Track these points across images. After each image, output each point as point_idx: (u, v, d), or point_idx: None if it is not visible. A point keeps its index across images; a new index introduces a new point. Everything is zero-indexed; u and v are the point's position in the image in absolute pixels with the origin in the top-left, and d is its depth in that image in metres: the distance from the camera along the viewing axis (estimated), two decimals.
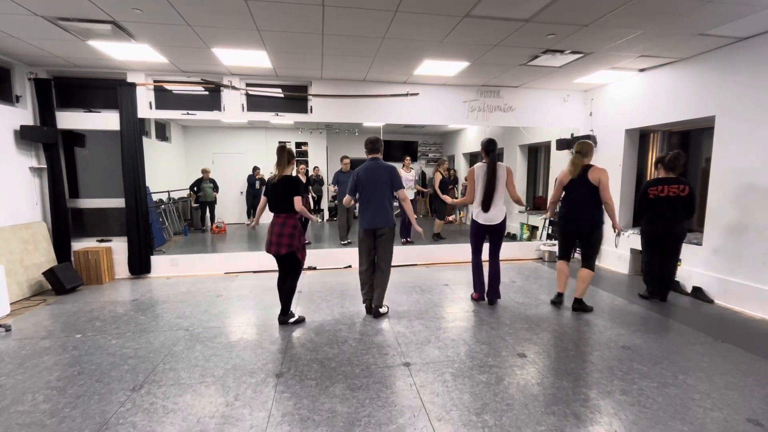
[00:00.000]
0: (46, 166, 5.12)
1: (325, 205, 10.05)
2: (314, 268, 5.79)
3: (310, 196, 8.05)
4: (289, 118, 5.94)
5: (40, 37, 4.05)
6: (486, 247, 4.25)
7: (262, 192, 3.69)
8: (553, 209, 4.25)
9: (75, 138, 5.47)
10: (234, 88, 5.52)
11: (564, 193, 4.05)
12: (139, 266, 5.46)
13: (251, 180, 9.25)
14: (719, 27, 3.76)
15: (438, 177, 7.32)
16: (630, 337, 3.43)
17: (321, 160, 10.27)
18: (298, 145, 10.13)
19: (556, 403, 2.44)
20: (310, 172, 9.78)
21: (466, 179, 9.64)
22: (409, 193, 6.94)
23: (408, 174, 7.19)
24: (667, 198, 4.09)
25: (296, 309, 4.11)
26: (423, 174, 11.32)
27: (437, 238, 7.20)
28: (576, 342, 3.34)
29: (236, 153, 9.77)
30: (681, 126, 5.33)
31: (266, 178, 9.27)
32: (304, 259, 3.73)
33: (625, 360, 3.00)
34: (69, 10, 3.45)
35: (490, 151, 4.05)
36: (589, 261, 3.98)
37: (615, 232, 4.02)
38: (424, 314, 3.98)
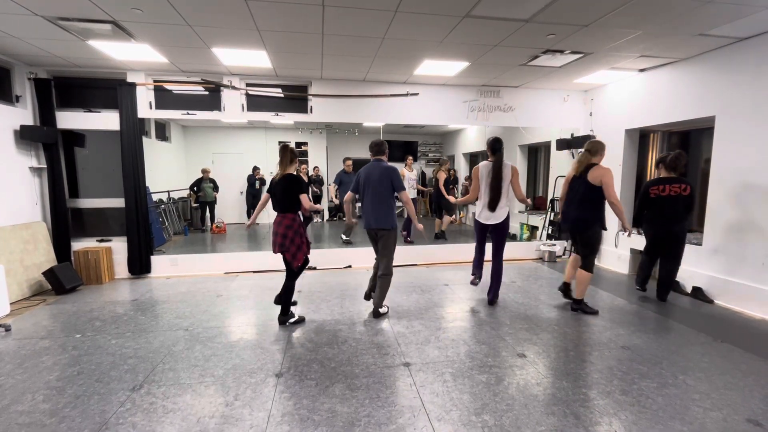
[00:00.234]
0: (46, 166, 5.12)
1: (324, 204, 10.05)
2: (314, 268, 5.78)
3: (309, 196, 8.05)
4: (289, 118, 5.94)
5: (40, 36, 4.05)
6: (488, 246, 4.27)
7: (265, 190, 3.68)
8: (561, 206, 4.21)
9: (75, 138, 5.47)
10: (234, 88, 5.52)
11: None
12: (139, 266, 5.46)
13: (251, 180, 9.25)
14: (719, 27, 3.76)
15: (443, 176, 7.33)
16: (630, 337, 3.43)
17: (321, 160, 10.27)
18: (298, 145, 10.13)
19: (556, 403, 2.44)
20: (310, 172, 9.78)
21: (466, 179, 9.71)
22: (410, 192, 6.96)
23: (410, 174, 7.19)
24: (669, 197, 4.09)
25: (296, 309, 4.12)
26: (423, 174, 11.32)
27: (439, 237, 7.22)
28: (576, 342, 3.34)
29: (236, 153, 9.77)
30: (681, 126, 5.33)
31: (266, 178, 9.36)
32: (300, 261, 3.61)
33: (625, 360, 3.00)
34: (69, 9, 3.45)
35: (497, 150, 4.01)
36: (584, 260, 3.93)
37: (626, 234, 4.03)
38: (424, 314, 3.98)
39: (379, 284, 3.88)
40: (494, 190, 3.97)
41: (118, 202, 5.42)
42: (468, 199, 4.33)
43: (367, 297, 4.11)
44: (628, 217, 5.74)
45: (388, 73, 5.49)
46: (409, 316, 3.91)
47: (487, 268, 4.33)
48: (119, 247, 5.46)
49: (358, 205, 4.00)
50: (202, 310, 4.14)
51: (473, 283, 4.35)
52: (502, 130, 7.81)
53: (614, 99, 5.89)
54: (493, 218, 4.04)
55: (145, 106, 5.35)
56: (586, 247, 3.92)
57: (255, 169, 9.28)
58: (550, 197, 7.24)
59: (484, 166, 4.08)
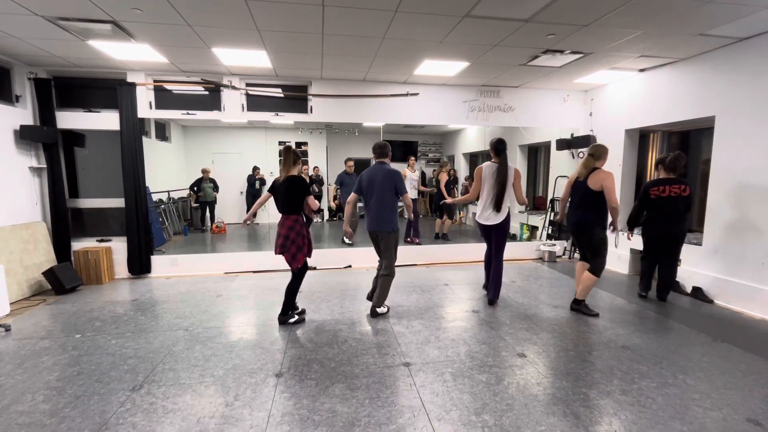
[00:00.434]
0: (45, 166, 5.12)
1: (324, 204, 10.05)
2: (314, 268, 5.78)
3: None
4: (289, 118, 5.94)
5: (40, 36, 4.05)
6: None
7: (266, 189, 3.66)
8: (562, 209, 4.20)
9: (75, 138, 5.46)
10: (234, 88, 5.52)
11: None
12: (139, 266, 5.46)
13: (251, 180, 9.25)
14: (719, 27, 3.76)
15: (444, 178, 7.34)
16: (630, 337, 3.43)
17: (321, 160, 10.26)
18: (298, 144, 10.12)
19: (556, 403, 2.44)
20: (311, 172, 9.78)
21: (466, 179, 9.70)
22: (411, 193, 6.96)
23: (412, 174, 7.20)
24: (669, 198, 4.09)
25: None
26: (423, 174, 11.33)
27: (439, 237, 7.23)
28: (576, 342, 3.34)
29: (236, 153, 9.77)
30: (681, 126, 5.33)
31: (266, 178, 9.36)
32: (300, 262, 3.59)
33: (625, 360, 3.00)
34: (69, 9, 3.45)
35: (501, 151, 4.03)
36: (592, 264, 3.88)
37: (623, 234, 4.08)
38: (424, 314, 3.98)
39: (380, 284, 3.89)
40: (499, 191, 3.96)
41: (118, 202, 5.42)
42: (467, 198, 4.39)
43: (371, 297, 4.11)
44: (623, 217, 5.78)
45: (388, 73, 5.49)
46: (409, 316, 3.91)
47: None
48: (119, 247, 5.46)
49: (360, 205, 4.00)
50: (202, 310, 4.14)
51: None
52: (502, 130, 7.81)
53: (614, 99, 5.89)
54: (493, 219, 4.05)
55: (145, 106, 5.35)
56: (591, 249, 3.89)
57: (255, 169, 9.28)
58: (550, 197, 7.24)
59: (487, 167, 4.08)
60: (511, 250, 6.60)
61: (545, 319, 3.83)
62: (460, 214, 10.12)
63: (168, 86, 5.43)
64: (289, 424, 2.23)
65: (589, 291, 4.00)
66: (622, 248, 5.62)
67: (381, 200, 3.78)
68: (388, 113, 6.01)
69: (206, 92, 5.57)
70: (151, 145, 7.30)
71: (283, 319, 3.69)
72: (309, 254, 3.67)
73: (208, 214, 9.06)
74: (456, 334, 3.48)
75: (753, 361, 3.01)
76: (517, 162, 8.38)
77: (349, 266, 5.98)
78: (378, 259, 4.02)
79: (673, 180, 4.11)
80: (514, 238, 7.96)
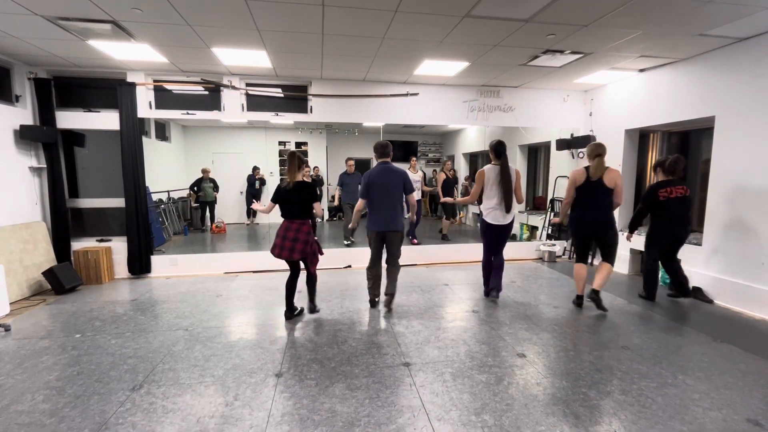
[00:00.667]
0: (45, 166, 5.12)
1: (324, 204, 10.05)
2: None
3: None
4: (289, 118, 5.94)
5: (39, 36, 4.05)
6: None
7: (270, 198, 3.67)
8: (566, 211, 4.15)
9: (75, 138, 5.46)
10: (234, 87, 5.52)
11: (576, 195, 4.00)
12: (139, 266, 5.45)
13: (251, 180, 9.25)
14: (719, 27, 3.76)
15: (441, 177, 7.35)
16: (629, 337, 3.43)
17: (321, 160, 10.27)
18: (298, 145, 10.13)
19: (556, 403, 2.44)
20: (311, 173, 9.78)
21: (466, 179, 9.70)
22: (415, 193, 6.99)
23: (414, 175, 7.20)
24: (677, 199, 4.10)
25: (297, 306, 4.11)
26: (424, 175, 11.34)
27: (444, 238, 7.25)
28: (575, 342, 3.34)
29: (236, 153, 9.77)
30: (681, 126, 5.33)
31: (265, 178, 9.35)
32: (316, 264, 3.81)
33: (625, 360, 3.00)
34: (69, 9, 3.45)
35: (501, 153, 4.08)
36: (610, 257, 4.06)
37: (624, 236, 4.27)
38: (424, 314, 3.98)
39: (392, 273, 4.01)
40: (507, 192, 4.02)
41: (118, 202, 5.42)
42: (467, 201, 4.41)
43: (373, 304, 4.14)
44: (628, 218, 5.78)
45: (388, 73, 5.49)
46: (408, 316, 3.91)
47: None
48: (119, 246, 5.46)
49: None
50: (201, 310, 4.14)
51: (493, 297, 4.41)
52: (502, 130, 7.82)
53: (614, 99, 5.89)
54: (506, 219, 4.13)
55: (144, 106, 5.35)
56: (611, 246, 4.05)
57: (255, 169, 9.28)
58: (549, 197, 7.24)
59: (490, 169, 4.10)
60: (511, 250, 6.60)
61: (545, 319, 3.83)
62: (460, 214, 10.13)
63: (168, 86, 5.43)
64: (288, 424, 2.23)
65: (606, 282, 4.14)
66: (622, 248, 5.61)
67: (391, 200, 3.85)
68: (388, 113, 6.01)
69: (206, 92, 5.57)
70: (151, 145, 7.30)
71: (290, 315, 3.82)
72: (320, 253, 3.83)
73: (208, 214, 9.06)
74: (456, 334, 3.48)
75: (753, 361, 3.01)
76: (517, 162, 8.38)
77: (349, 266, 5.98)
78: (369, 259, 4.05)
79: (675, 182, 4.12)
80: (513, 238, 7.96)
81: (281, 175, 9.84)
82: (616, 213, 4.16)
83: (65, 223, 5.25)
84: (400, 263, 4.06)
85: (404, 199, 4.00)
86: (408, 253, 6.17)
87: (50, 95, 5.10)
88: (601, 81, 5.84)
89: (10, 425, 2.24)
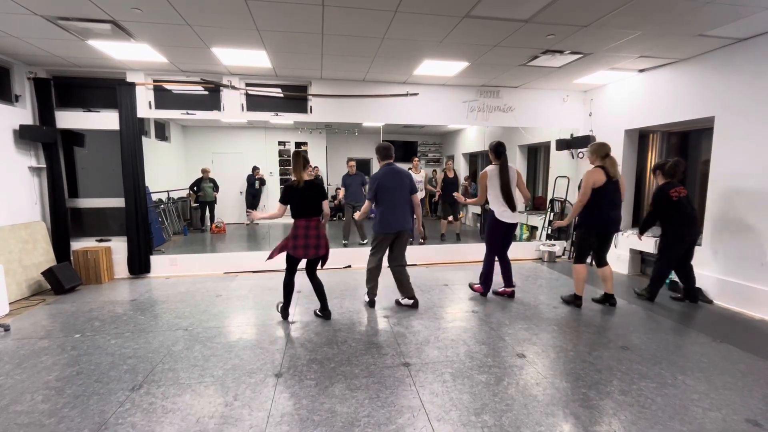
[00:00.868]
0: (45, 166, 5.11)
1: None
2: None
3: None
4: (288, 118, 5.94)
5: (39, 36, 4.05)
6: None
7: (279, 200, 3.61)
8: (579, 212, 4.04)
9: (74, 137, 5.46)
10: (233, 87, 5.52)
11: (593, 196, 3.91)
12: (139, 266, 5.45)
13: (251, 180, 9.25)
14: (719, 28, 3.76)
15: (440, 177, 7.38)
16: (629, 337, 3.43)
17: (321, 161, 10.25)
18: (298, 144, 10.13)
19: (556, 403, 2.44)
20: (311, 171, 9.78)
21: (466, 179, 9.70)
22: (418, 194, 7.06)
23: (417, 175, 7.23)
24: (686, 198, 4.11)
25: (295, 309, 4.12)
26: (425, 174, 11.37)
27: (442, 238, 7.29)
28: (575, 342, 3.34)
29: (236, 153, 9.77)
30: (680, 127, 5.33)
31: (265, 178, 9.35)
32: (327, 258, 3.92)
33: (624, 360, 3.00)
34: (68, 9, 3.45)
35: (501, 153, 4.13)
36: (605, 258, 4.13)
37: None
38: (424, 314, 3.98)
39: (405, 275, 4.11)
40: (507, 192, 4.09)
41: (118, 202, 5.41)
42: (476, 202, 4.40)
43: (373, 304, 4.18)
44: (627, 218, 5.78)
45: (388, 73, 5.49)
46: (408, 317, 3.91)
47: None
48: (119, 246, 5.46)
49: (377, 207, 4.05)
50: (201, 310, 4.14)
51: (480, 292, 4.46)
52: (501, 130, 7.82)
53: (614, 99, 5.90)
54: (515, 218, 4.25)
55: (144, 106, 5.35)
56: (609, 245, 4.14)
57: (255, 169, 9.28)
58: (549, 197, 7.24)
59: (492, 170, 4.14)
60: (510, 250, 6.59)
61: (545, 320, 3.83)
62: (460, 214, 10.13)
63: (167, 86, 5.43)
64: (288, 424, 2.23)
65: None
66: (621, 248, 5.62)
67: (402, 201, 3.94)
68: (388, 113, 6.01)
69: (206, 92, 5.56)
70: (150, 145, 7.29)
71: (329, 311, 3.89)
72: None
73: (207, 213, 9.05)
74: (455, 335, 3.48)
75: (752, 361, 3.01)
76: (517, 162, 8.38)
77: (349, 266, 5.98)
78: (375, 259, 4.08)
79: (677, 183, 4.13)
80: (513, 238, 7.96)
81: (281, 175, 9.85)
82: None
83: (65, 223, 5.24)
84: (391, 267, 4.15)
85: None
86: (407, 253, 6.16)
87: (50, 95, 5.10)
88: (601, 81, 5.85)
89: (10, 425, 2.24)
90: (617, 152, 5.73)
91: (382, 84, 5.90)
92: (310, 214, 3.62)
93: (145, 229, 5.47)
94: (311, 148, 10.30)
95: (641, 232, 4.41)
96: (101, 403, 2.45)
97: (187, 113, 5.54)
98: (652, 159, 5.91)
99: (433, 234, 7.76)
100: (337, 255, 6.05)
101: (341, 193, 7.27)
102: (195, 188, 8.89)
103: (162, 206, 7.89)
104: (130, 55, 4.63)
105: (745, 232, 4.10)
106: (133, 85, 5.24)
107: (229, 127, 9.74)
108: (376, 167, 4.24)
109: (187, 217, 9.14)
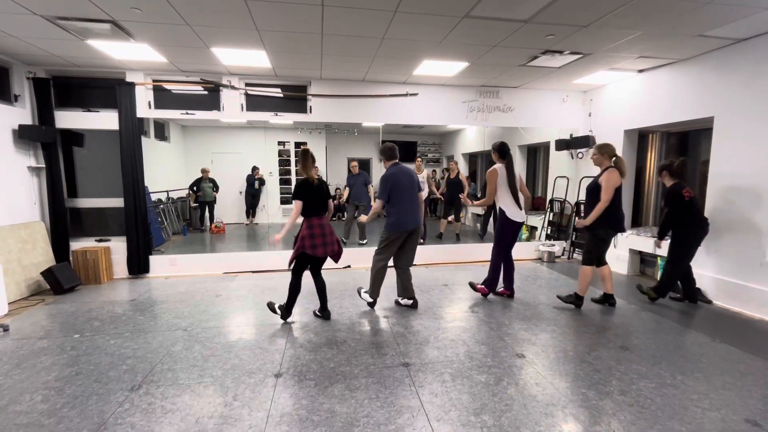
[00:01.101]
0: (44, 166, 5.11)
1: None
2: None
3: None
4: (288, 118, 5.94)
5: (38, 36, 4.04)
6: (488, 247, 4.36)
7: (295, 196, 3.53)
8: (600, 214, 3.93)
9: (74, 137, 5.46)
10: (233, 87, 5.52)
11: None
12: (138, 266, 5.45)
13: (250, 180, 9.25)
14: (718, 28, 3.76)
15: (447, 176, 7.42)
16: (628, 337, 3.43)
17: (320, 160, 10.26)
18: (297, 145, 10.13)
19: (555, 403, 2.44)
20: None
21: (465, 178, 9.71)
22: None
23: (419, 176, 7.26)
24: (695, 198, 4.11)
25: (295, 309, 4.11)
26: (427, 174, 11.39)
27: (439, 237, 7.31)
28: (574, 342, 3.34)
29: (235, 153, 9.76)
30: (680, 127, 5.34)
31: (265, 178, 9.34)
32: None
33: (624, 360, 3.00)
34: (68, 9, 3.44)
35: (506, 152, 4.17)
36: (605, 257, 4.16)
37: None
38: (423, 314, 3.98)
39: (408, 276, 4.13)
40: (515, 191, 4.14)
41: (117, 202, 5.41)
42: (486, 202, 4.36)
43: (374, 305, 4.17)
44: (633, 216, 5.79)
45: (388, 73, 5.49)
46: (408, 317, 3.91)
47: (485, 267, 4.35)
48: (118, 246, 5.46)
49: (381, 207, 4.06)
50: (200, 310, 4.13)
51: (507, 294, 4.48)
52: (501, 130, 7.82)
53: (613, 99, 5.90)
54: (522, 216, 4.26)
55: (144, 106, 5.34)
56: None
57: (254, 169, 9.28)
58: (549, 198, 7.24)
59: (501, 168, 4.16)
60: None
61: (544, 320, 3.83)
62: (461, 215, 10.13)
63: (167, 86, 5.43)
64: (288, 425, 2.23)
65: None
66: (621, 248, 5.63)
67: (414, 199, 4.01)
68: (388, 113, 6.01)
69: (205, 92, 5.56)
70: (150, 145, 7.29)
71: (329, 312, 3.91)
72: None
73: (207, 214, 9.05)
74: (455, 335, 3.48)
75: (751, 361, 3.01)
76: (516, 162, 8.37)
77: (348, 266, 5.98)
78: (382, 256, 4.06)
79: (685, 183, 4.13)
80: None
81: (281, 175, 9.84)
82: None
83: (64, 222, 5.24)
84: (389, 268, 4.14)
85: None
86: None
87: (49, 95, 5.09)
88: (601, 81, 5.85)
89: (9, 425, 2.24)
90: (617, 153, 5.73)
91: (382, 84, 5.90)
92: (321, 212, 3.62)
93: (144, 229, 5.46)
94: (311, 148, 10.24)
95: (661, 237, 4.24)
96: (100, 404, 2.44)
97: (187, 113, 5.53)
98: (652, 159, 5.92)
99: (432, 233, 7.76)
100: None
101: (346, 193, 7.32)
102: (194, 188, 8.88)
103: (161, 206, 7.89)
104: (130, 54, 4.63)
105: (745, 232, 4.10)
106: (132, 84, 5.24)
107: (229, 127, 9.73)
108: (375, 167, 4.26)
109: (186, 217, 9.13)
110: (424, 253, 6.30)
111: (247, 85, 5.61)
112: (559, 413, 2.34)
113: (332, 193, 9.53)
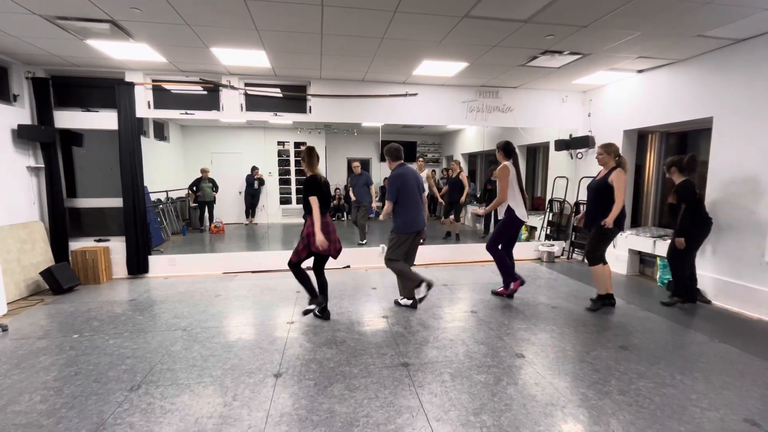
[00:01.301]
0: (43, 166, 5.10)
1: None
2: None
3: None
4: (288, 118, 5.94)
5: (38, 36, 4.04)
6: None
7: (310, 193, 3.51)
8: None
9: (73, 137, 5.45)
10: (233, 87, 5.52)
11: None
12: (137, 266, 5.44)
13: (250, 180, 9.24)
14: (717, 28, 3.77)
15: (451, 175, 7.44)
16: (627, 337, 3.44)
17: (320, 161, 10.26)
18: (297, 145, 10.13)
19: (554, 403, 2.44)
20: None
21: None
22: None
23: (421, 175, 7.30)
24: (701, 195, 4.12)
25: (294, 309, 4.12)
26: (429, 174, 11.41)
27: (448, 236, 7.37)
28: (574, 342, 3.34)
29: (234, 153, 9.76)
30: (679, 127, 5.35)
31: (264, 178, 9.34)
32: None
33: (623, 360, 3.00)
34: (67, 9, 3.44)
35: (512, 151, 4.19)
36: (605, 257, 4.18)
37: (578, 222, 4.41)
38: (423, 314, 3.98)
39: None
40: (522, 189, 4.17)
41: (116, 202, 5.40)
42: (498, 202, 4.23)
43: (416, 305, 4.15)
44: (632, 216, 5.79)
45: (387, 74, 5.49)
46: (407, 317, 3.91)
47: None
48: (117, 246, 5.45)
49: (376, 206, 4.08)
50: (200, 310, 4.13)
51: (520, 285, 4.46)
52: (500, 130, 7.82)
53: (613, 100, 5.90)
54: (526, 216, 4.30)
55: (143, 106, 5.34)
56: None
57: (254, 169, 9.28)
58: (548, 198, 7.25)
59: (511, 165, 4.17)
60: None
61: (543, 320, 3.84)
62: (461, 215, 10.14)
63: (166, 86, 5.43)
64: (287, 424, 2.23)
65: None
66: (620, 248, 5.63)
67: (420, 199, 4.03)
68: (387, 113, 6.01)
69: (205, 92, 5.56)
70: (149, 145, 7.29)
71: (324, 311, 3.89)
72: None
73: (206, 213, 9.04)
74: (454, 335, 3.49)
75: (750, 361, 3.02)
76: None
77: (348, 266, 5.98)
78: (399, 259, 4.05)
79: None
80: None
81: (280, 175, 9.84)
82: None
83: (63, 222, 5.24)
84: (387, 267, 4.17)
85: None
86: None
87: (48, 94, 5.08)
88: (600, 82, 5.85)
89: (8, 426, 2.24)
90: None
91: (382, 84, 5.90)
92: (326, 209, 3.64)
93: (143, 229, 5.46)
94: None
95: (682, 234, 4.06)
96: (99, 404, 2.44)
97: (186, 113, 5.53)
98: (651, 159, 5.93)
99: (432, 234, 7.76)
100: None
101: (350, 192, 7.37)
102: (194, 188, 8.88)
103: (161, 206, 7.88)
104: (129, 54, 4.62)
105: (744, 232, 4.11)
106: (131, 84, 5.23)
107: (228, 127, 9.73)
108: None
109: (185, 217, 9.13)
110: (424, 253, 6.29)
111: (246, 85, 5.61)
112: (559, 413, 2.34)
113: (332, 193, 9.53)
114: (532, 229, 7.80)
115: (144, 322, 3.79)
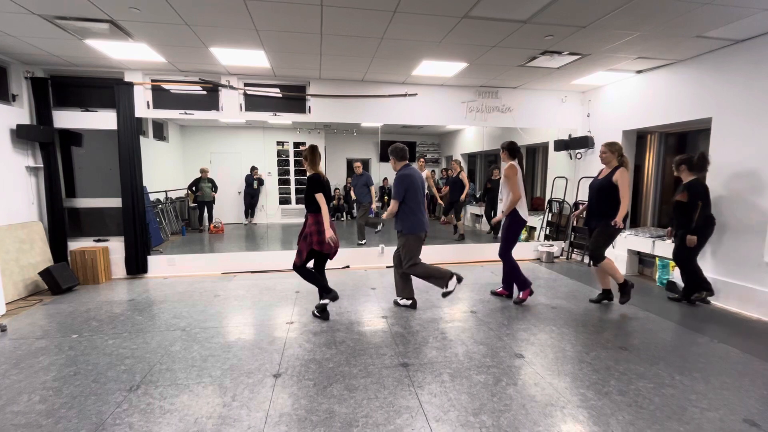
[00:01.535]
0: (42, 166, 5.09)
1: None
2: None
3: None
4: (287, 118, 5.93)
5: (37, 35, 4.03)
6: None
7: (317, 192, 3.51)
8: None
9: (72, 137, 5.44)
10: (232, 87, 5.51)
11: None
12: (136, 266, 5.44)
13: (249, 180, 9.23)
14: (716, 29, 3.78)
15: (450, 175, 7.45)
16: (627, 337, 3.44)
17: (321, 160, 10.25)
18: (296, 145, 10.13)
19: (554, 403, 2.44)
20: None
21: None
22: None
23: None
24: None
25: (294, 309, 4.12)
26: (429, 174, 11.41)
27: (456, 234, 7.40)
28: (573, 343, 3.34)
29: (234, 153, 9.75)
30: (678, 127, 5.35)
31: (264, 178, 9.33)
32: None
33: (622, 360, 3.01)
34: (66, 8, 3.44)
35: (516, 151, 4.20)
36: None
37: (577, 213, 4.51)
38: (422, 315, 3.98)
39: (409, 276, 4.15)
40: (525, 190, 4.18)
41: (115, 202, 5.39)
42: (514, 200, 4.15)
43: (447, 294, 4.02)
44: (631, 216, 5.79)
45: (387, 74, 5.49)
46: (407, 317, 3.91)
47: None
48: (116, 246, 5.44)
49: (375, 207, 4.06)
50: (199, 310, 4.13)
51: (530, 294, 4.36)
52: (500, 130, 7.83)
53: (612, 100, 5.91)
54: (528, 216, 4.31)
55: (142, 106, 5.33)
56: None
57: (253, 169, 9.27)
58: (547, 198, 7.25)
59: (517, 166, 4.17)
60: None
61: (543, 320, 3.84)
62: (461, 214, 10.14)
63: (166, 86, 5.42)
64: (287, 425, 2.23)
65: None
66: (620, 249, 5.63)
67: (423, 201, 4.02)
68: (387, 113, 6.01)
69: (204, 92, 5.55)
70: (148, 145, 7.27)
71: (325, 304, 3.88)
72: None
73: (206, 213, 9.04)
74: (454, 335, 3.49)
75: (750, 361, 3.02)
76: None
77: (347, 267, 5.97)
78: (416, 259, 4.05)
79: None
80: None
81: (279, 175, 9.83)
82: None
83: (62, 222, 5.23)
84: (387, 267, 4.18)
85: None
86: None
87: (47, 94, 5.07)
88: (599, 82, 5.86)
89: (7, 426, 2.23)
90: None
91: (381, 84, 5.90)
92: (328, 208, 3.64)
93: (142, 229, 5.45)
94: None
95: (695, 233, 4.02)
96: (99, 404, 2.44)
97: (186, 113, 5.53)
98: (650, 160, 5.93)
99: (432, 234, 7.76)
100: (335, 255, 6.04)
101: (352, 192, 7.38)
102: (193, 188, 8.87)
103: (160, 206, 7.87)
104: (128, 54, 4.62)
105: (743, 232, 4.11)
106: (131, 84, 5.23)
107: (228, 127, 9.72)
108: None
109: (185, 217, 9.12)
110: (423, 253, 6.29)
111: (245, 85, 5.60)
112: (558, 413, 2.34)
113: (331, 193, 9.54)
114: (531, 230, 7.81)
115: (143, 323, 3.78)
